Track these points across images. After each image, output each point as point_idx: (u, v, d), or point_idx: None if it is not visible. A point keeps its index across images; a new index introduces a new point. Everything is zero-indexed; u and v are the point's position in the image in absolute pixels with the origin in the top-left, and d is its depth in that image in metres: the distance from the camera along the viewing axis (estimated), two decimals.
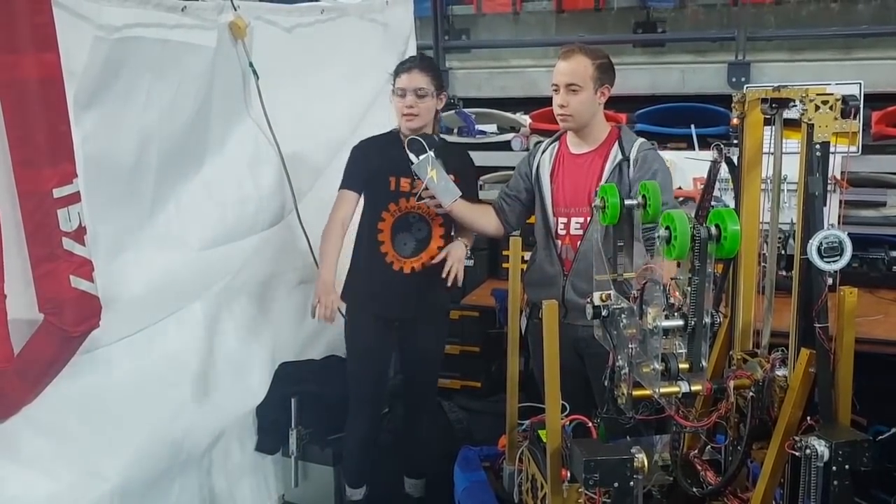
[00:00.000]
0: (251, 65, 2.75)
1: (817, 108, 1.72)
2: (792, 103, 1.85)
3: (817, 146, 1.73)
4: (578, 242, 2.56)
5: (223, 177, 2.75)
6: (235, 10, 2.63)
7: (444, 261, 2.65)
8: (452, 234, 2.81)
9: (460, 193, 2.62)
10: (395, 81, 2.71)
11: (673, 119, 3.68)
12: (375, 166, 2.74)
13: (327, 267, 2.69)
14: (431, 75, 2.70)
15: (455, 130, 4.00)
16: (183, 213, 2.58)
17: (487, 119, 4.07)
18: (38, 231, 1.91)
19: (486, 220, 2.74)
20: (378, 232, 2.73)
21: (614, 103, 3.15)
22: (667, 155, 3.42)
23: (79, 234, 1.98)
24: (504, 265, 3.61)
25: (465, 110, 4.03)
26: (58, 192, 1.91)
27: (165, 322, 2.59)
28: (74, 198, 1.96)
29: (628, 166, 2.51)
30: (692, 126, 3.56)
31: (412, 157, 2.62)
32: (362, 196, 2.78)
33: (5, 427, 2.06)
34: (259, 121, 2.86)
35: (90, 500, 2.17)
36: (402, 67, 2.71)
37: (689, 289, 1.77)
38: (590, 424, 1.96)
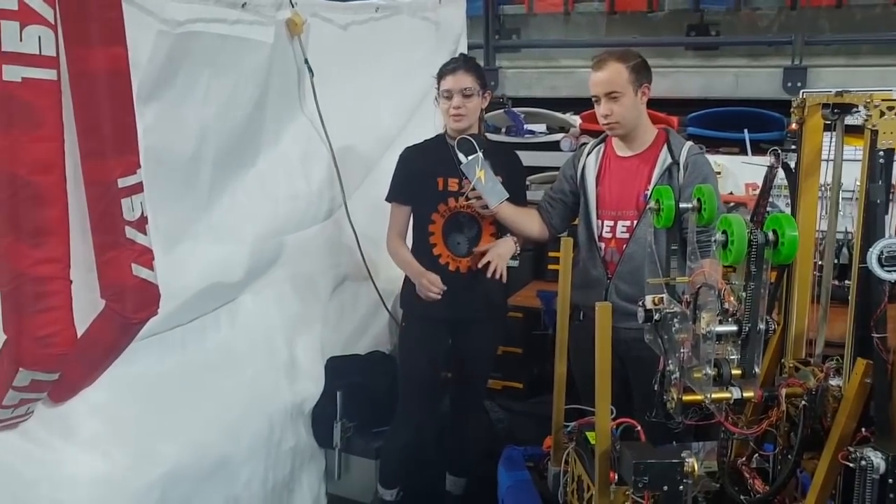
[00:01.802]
0: (307, 62, 2.79)
1: (882, 113, 1.68)
2: (855, 109, 1.81)
3: (881, 153, 1.70)
4: (624, 246, 2.54)
5: (276, 172, 2.80)
6: (293, 6, 2.67)
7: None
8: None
9: (507, 195, 2.62)
10: (439, 84, 2.72)
11: (725, 123, 3.63)
12: (422, 169, 2.75)
13: (411, 263, 2.74)
14: (475, 75, 2.70)
15: (503, 130, 3.99)
16: (237, 206, 2.63)
17: (537, 119, 4.04)
18: (102, 219, 1.96)
19: (530, 223, 2.73)
20: (430, 234, 2.74)
21: (666, 106, 3.13)
22: (719, 159, 3.40)
23: (141, 224, 2.02)
24: (550, 266, 3.61)
25: (514, 109, 4.01)
26: (122, 182, 1.95)
27: (217, 312, 2.65)
28: (138, 188, 2.00)
29: (678, 170, 2.48)
30: (745, 130, 3.50)
31: (461, 156, 2.63)
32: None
33: (64, 409, 2.13)
34: (312, 118, 2.91)
35: (143, 482, 2.22)
36: (447, 69, 2.71)
37: (744, 294, 1.75)
38: (638, 428, 1.94)
